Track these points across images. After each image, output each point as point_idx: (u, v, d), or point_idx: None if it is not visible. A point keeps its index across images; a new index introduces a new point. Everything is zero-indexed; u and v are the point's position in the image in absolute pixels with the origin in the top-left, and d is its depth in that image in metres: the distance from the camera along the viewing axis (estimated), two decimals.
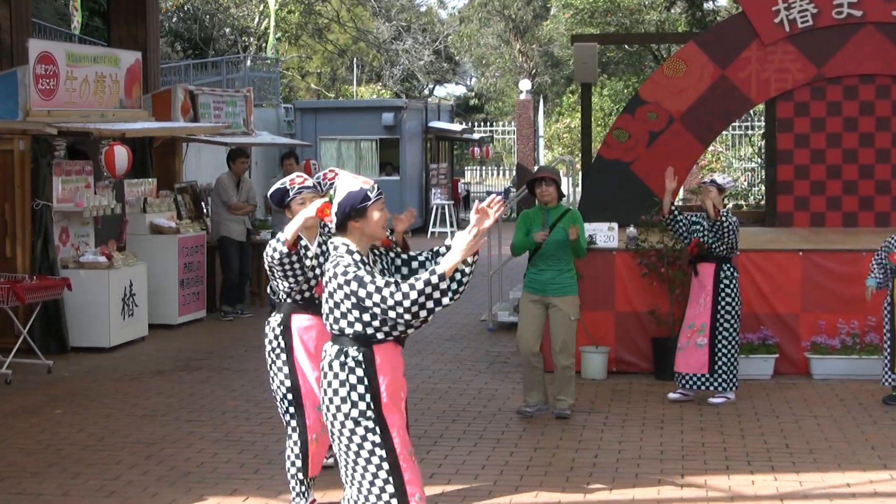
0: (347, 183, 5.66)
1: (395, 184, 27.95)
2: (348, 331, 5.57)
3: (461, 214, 31.51)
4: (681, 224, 10.87)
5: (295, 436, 7.46)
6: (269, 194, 7.69)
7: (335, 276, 5.53)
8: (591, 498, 7.93)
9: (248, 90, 19.95)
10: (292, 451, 7.46)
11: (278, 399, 7.56)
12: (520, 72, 44.18)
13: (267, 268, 7.31)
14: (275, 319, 7.52)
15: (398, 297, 5.32)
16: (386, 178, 27.57)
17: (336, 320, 5.61)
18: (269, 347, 7.54)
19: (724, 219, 10.52)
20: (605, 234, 12.23)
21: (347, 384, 5.58)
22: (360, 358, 5.58)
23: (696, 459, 8.86)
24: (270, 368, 7.56)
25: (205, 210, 17.02)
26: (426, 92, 52.73)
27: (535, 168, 29.78)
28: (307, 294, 7.43)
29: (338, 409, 5.60)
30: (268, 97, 29.26)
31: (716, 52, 14.59)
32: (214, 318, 15.89)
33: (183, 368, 12.54)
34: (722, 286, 10.65)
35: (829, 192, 14.81)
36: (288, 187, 7.48)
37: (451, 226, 29.16)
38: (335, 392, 5.61)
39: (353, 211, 5.62)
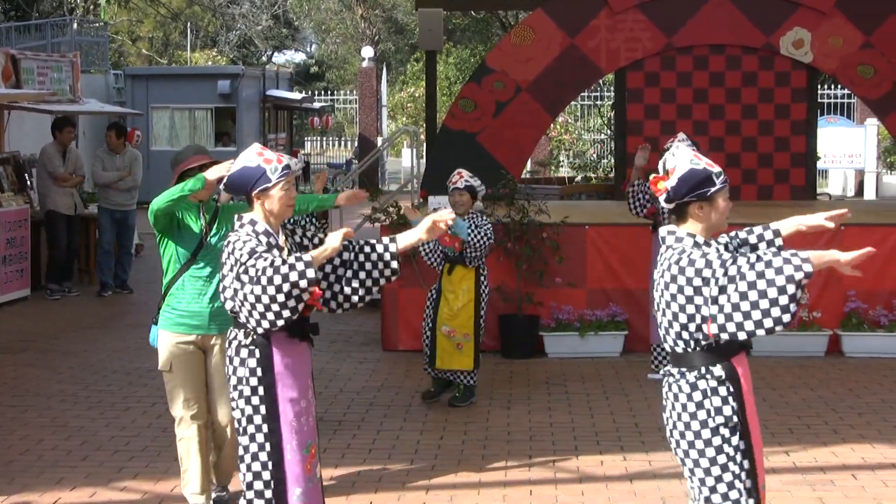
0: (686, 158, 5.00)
1: (232, 155, 27.10)
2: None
3: (301, 187, 31.15)
4: None
5: None
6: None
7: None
8: (434, 482, 7.77)
9: (74, 55, 19.68)
10: None
11: None
12: (362, 38, 43.67)
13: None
14: None
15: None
16: (222, 149, 27.08)
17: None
18: None
19: None
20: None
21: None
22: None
23: (544, 440, 8.77)
24: None
25: (29, 182, 16.46)
26: (264, 59, 52.39)
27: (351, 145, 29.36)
28: None
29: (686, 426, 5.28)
30: (96, 63, 28.97)
31: (565, 19, 14.57)
32: (40, 297, 15.38)
33: (6, 351, 12.12)
34: None
35: None
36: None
37: None
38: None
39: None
